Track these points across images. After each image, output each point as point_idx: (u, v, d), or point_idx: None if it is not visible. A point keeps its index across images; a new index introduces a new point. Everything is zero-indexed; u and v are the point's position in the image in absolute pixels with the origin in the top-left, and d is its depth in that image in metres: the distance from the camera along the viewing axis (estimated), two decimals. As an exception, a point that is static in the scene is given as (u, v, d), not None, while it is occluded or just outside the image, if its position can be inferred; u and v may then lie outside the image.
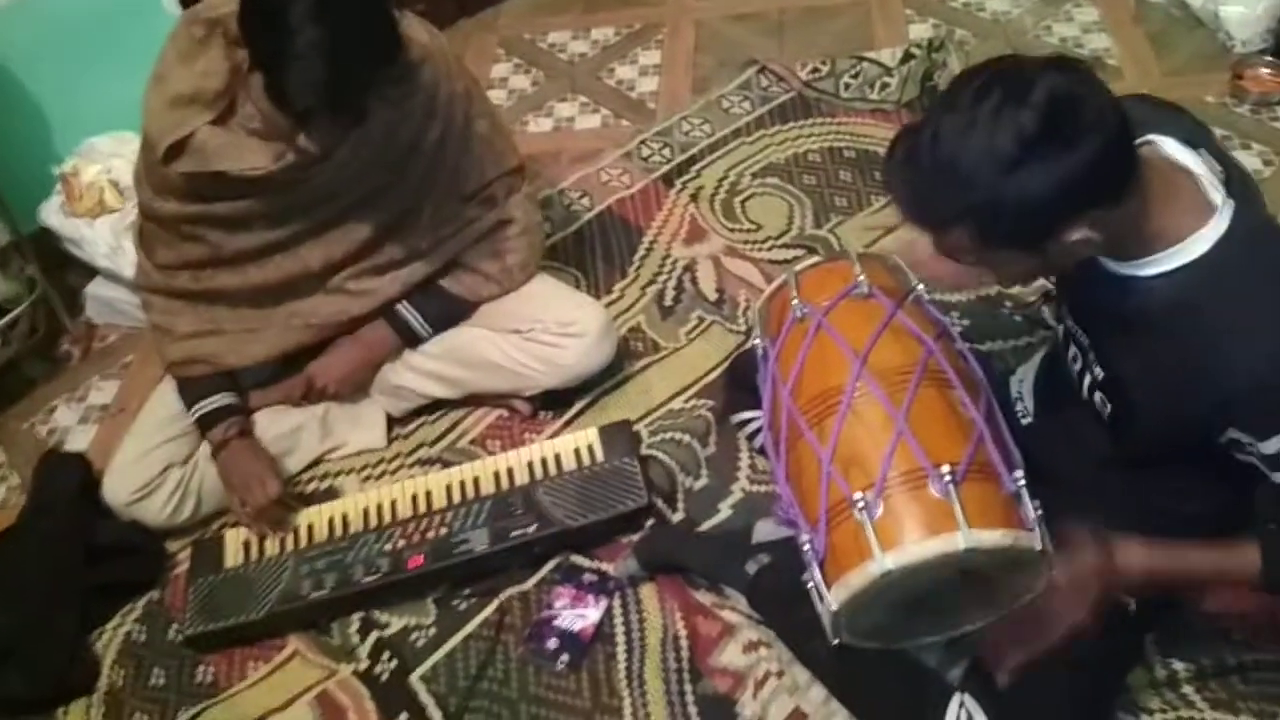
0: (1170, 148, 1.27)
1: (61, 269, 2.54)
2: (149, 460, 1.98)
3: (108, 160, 2.41)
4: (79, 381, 2.45)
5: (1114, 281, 1.29)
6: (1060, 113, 1.11)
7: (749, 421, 1.94)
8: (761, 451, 1.96)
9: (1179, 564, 1.36)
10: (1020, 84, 1.12)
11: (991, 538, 1.26)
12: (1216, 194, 1.25)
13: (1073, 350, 1.46)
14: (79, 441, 2.32)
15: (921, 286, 1.56)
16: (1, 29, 2.39)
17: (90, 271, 2.51)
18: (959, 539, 1.26)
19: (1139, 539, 1.36)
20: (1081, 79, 1.14)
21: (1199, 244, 1.23)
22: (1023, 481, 1.31)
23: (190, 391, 2.01)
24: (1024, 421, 1.66)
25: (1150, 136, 1.25)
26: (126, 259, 2.33)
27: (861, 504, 1.30)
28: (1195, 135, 1.31)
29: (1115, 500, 1.46)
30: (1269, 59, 2.66)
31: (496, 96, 2.97)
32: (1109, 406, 1.40)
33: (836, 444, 1.37)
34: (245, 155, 1.76)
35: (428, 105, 1.90)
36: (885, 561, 1.27)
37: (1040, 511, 1.30)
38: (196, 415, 1.99)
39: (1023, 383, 1.70)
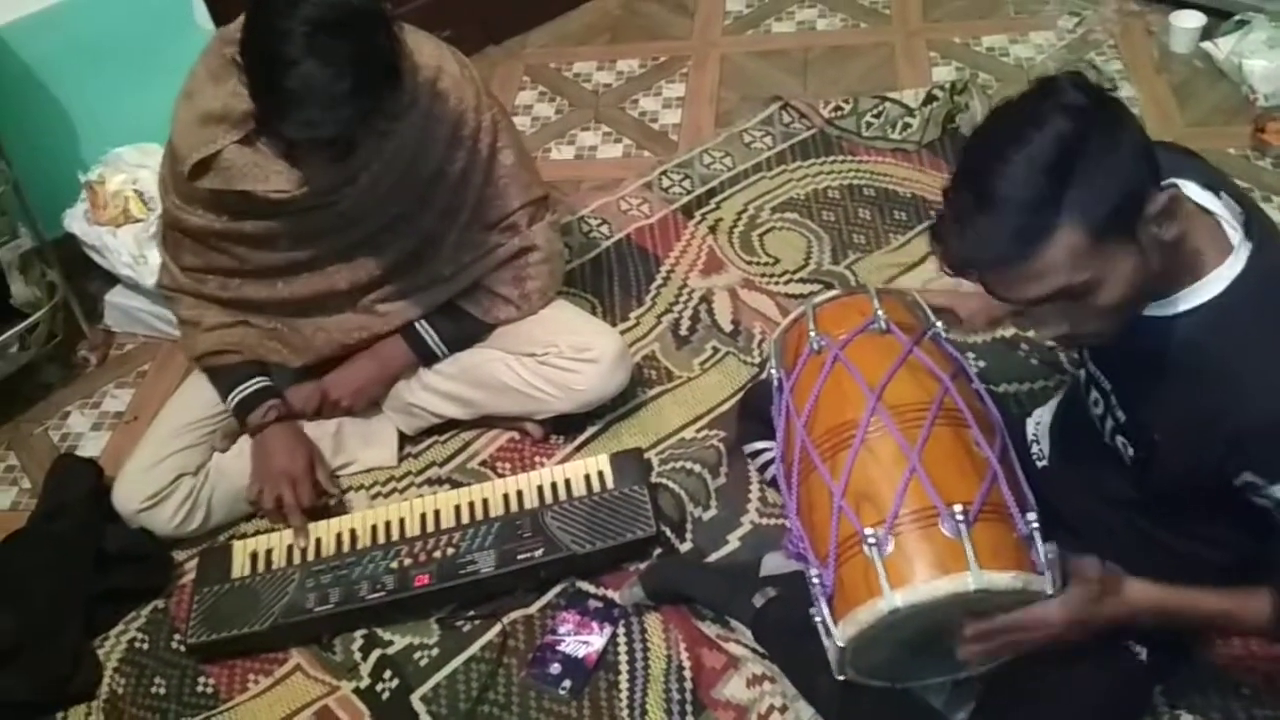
0: (1192, 191, 1.27)
1: (83, 275, 2.56)
2: (160, 469, 1.99)
3: (134, 171, 2.42)
4: (94, 388, 2.47)
5: (1134, 323, 1.29)
6: (1096, 95, 1.16)
7: (761, 453, 1.93)
8: (772, 484, 1.95)
9: (1187, 606, 1.35)
10: (1042, 91, 1.17)
11: (1003, 579, 1.26)
12: (1235, 235, 1.26)
13: (1094, 394, 1.45)
14: (91, 447, 2.33)
15: (940, 324, 1.57)
16: (34, 38, 2.42)
17: (111, 279, 2.52)
18: (969, 579, 1.25)
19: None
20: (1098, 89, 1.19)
21: (1215, 284, 1.24)
22: (1036, 524, 1.30)
23: (224, 380, 2.02)
24: (1040, 465, 1.66)
25: (1173, 180, 1.25)
26: (148, 268, 2.34)
27: (872, 540, 1.30)
28: (1213, 179, 1.32)
29: (1133, 547, 1.45)
30: (1292, 113, 2.66)
31: (520, 123, 2.99)
32: (1131, 450, 1.39)
33: (849, 479, 1.37)
34: (270, 177, 1.78)
35: (452, 135, 1.91)
36: (894, 599, 1.27)
37: (1053, 555, 1.29)
38: (234, 401, 2.00)
39: (1039, 425, 1.69)
